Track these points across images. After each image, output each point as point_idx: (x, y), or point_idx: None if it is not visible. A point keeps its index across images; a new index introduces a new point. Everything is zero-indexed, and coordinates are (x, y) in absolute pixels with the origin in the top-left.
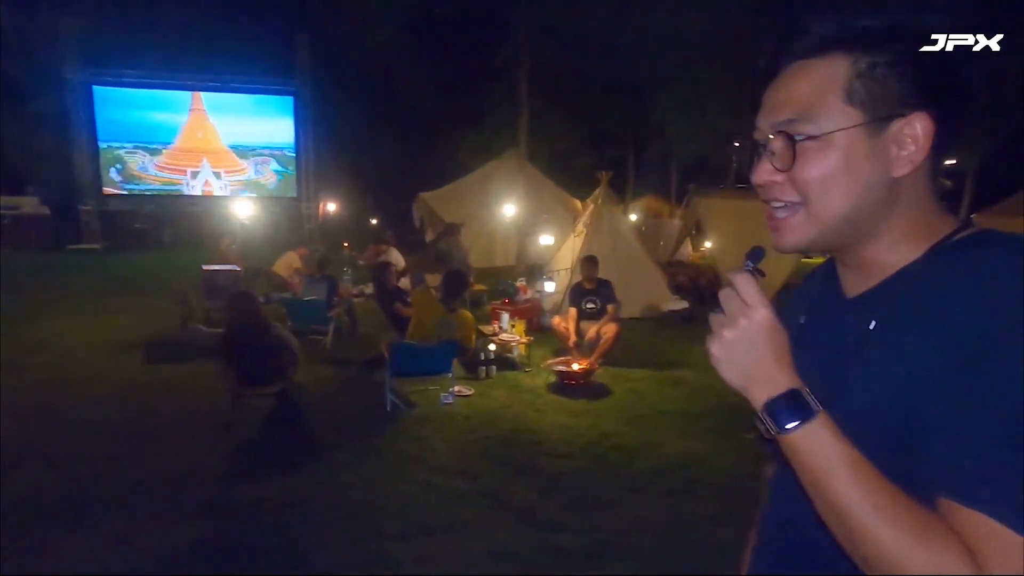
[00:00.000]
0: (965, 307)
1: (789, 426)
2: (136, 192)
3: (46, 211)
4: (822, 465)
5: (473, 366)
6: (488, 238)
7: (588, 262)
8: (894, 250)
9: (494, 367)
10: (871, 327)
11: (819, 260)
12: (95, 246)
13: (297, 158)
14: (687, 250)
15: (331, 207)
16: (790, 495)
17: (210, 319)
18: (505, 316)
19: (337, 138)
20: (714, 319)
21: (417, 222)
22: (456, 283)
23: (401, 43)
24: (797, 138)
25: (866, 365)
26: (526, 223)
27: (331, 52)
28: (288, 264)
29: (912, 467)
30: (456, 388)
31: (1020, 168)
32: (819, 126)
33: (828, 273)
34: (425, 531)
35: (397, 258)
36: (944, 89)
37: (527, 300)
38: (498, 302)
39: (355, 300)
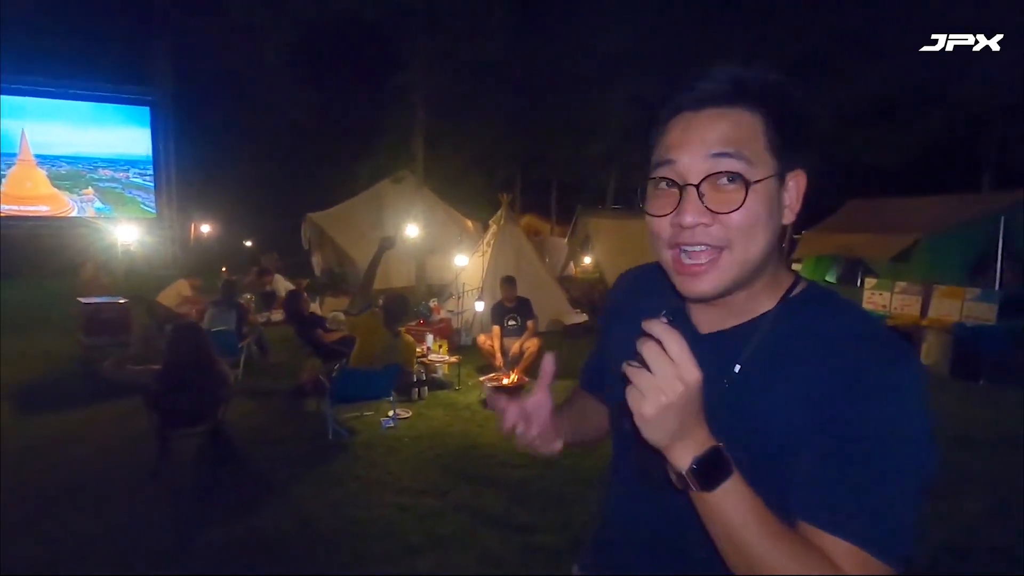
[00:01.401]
0: (813, 366)
1: (715, 485)
2: None
3: None
4: (737, 518)
5: (406, 388)
6: (384, 259)
7: (507, 282)
8: (756, 298)
9: (426, 388)
10: (736, 370)
11: None
12: None
13: (156, 174)
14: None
15: (205, 228)
16: (665, 519)
17: (88, 358)
18: (430, 337)
19: (208, 154)
20: (637, 375)
21: (306, 244)
22: (399, 307)
23: (282, 58)
24: (748, 183)
25: (733, 405)
26: (424, 244)
27: (199, 61)
28: (177, 293)
29: (767, 492)
30: (395, 411)
31: (834, 191)
32: (755, 172)
33: (663, 294)
34: (410, 550)
35: (284, 285)
36: (813, 150)
37: (441, 320)
38: (413, 323)
39: (262, 328)
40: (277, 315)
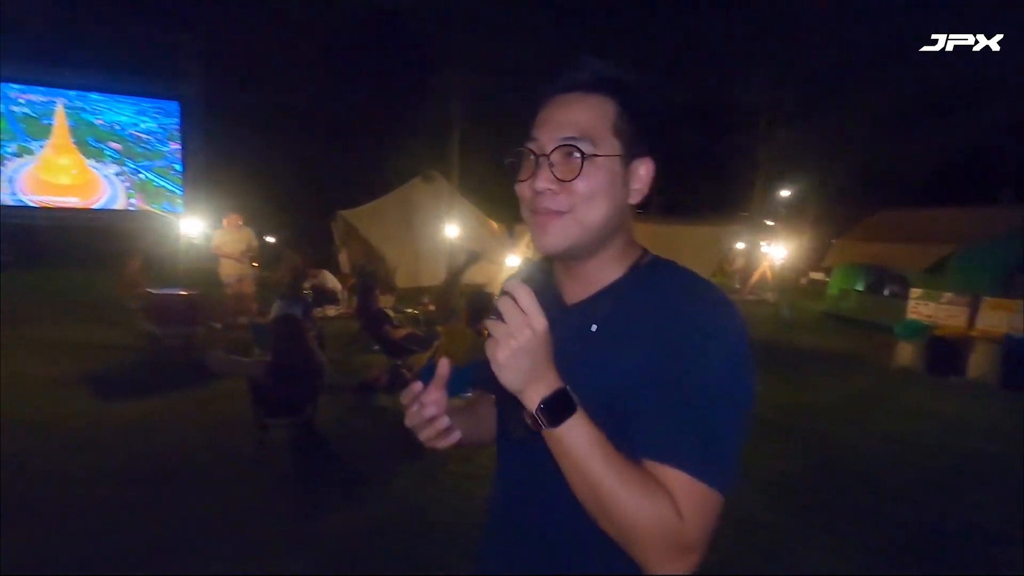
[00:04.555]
0: (655, 320)
1: (560, 421)
2: None
3: None
4: (583, 451)
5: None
6: (413, 258)
7: None
8: (608, 267)
9: None
10: (592, 330)
11: None
12: None
13: (184, 172)
14: None
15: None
16: (530, 486)
17: (161, 348)
18: None
19: (234, 151)
20: (495, 326)
21: (338, 241)
22: (482, 304)
23: (312, 56)
24: (584, 155)
25: (590, 360)
26: (457, 245)
27: (226, 58)
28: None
29: (621, 437)
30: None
31: (867, 200)
32: (595, 148)
33: (543, 281)
34: None
35: (333, 281)
36: (662, 145)
37: None
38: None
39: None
40: (331, 311)
